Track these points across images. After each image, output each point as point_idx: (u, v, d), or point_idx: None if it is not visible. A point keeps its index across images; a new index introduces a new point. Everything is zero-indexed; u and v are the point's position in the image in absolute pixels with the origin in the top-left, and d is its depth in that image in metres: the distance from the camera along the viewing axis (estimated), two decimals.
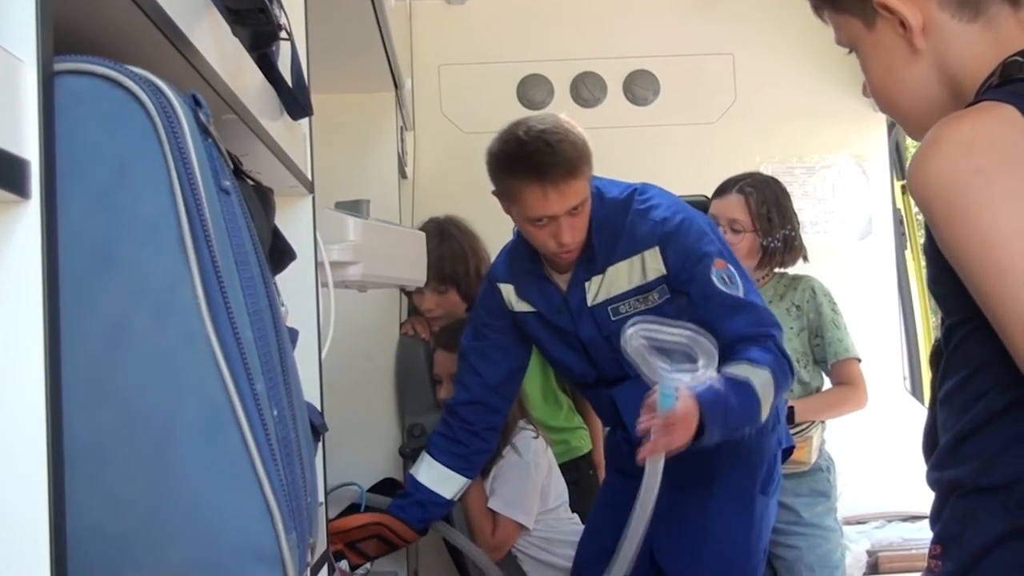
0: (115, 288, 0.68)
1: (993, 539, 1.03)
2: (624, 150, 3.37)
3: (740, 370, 1.94)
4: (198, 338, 0.69)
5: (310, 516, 0.81)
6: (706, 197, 2.93)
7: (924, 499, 1.13)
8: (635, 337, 1.72)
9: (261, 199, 1.06)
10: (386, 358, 2.99)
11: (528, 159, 2.05)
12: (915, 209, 3.56)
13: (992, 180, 0.97)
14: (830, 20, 1.20)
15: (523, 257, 2.28)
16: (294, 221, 1.46)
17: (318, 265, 1.51)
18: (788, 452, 2.35)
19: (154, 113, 0.69)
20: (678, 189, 2.31)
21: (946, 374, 1.10)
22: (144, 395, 0.68)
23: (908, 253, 3.74)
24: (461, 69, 3.67)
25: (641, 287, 2.13)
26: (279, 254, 1.16)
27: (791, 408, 2.51)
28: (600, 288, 2.17)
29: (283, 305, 0.94)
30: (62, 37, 0.64)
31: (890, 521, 3.43)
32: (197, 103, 0.74)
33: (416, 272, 2.43)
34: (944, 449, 1.09)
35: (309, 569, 1.03)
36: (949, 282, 1.02)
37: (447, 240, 2.92)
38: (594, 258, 2.16)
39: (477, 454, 2.38)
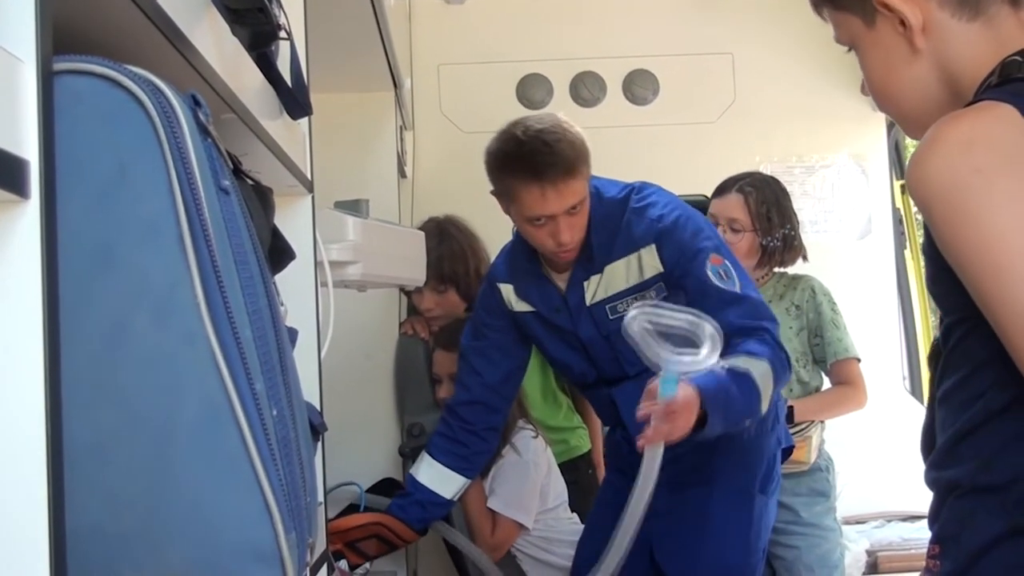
0: (115, 288, 0.68)
1: (991, 539, 1.03)
2: (623, 150, 3.37)
3: (739, 362, 1.93)
4: (197, 338, 0.69)
5: (309, 516, 0.81)
6: (706, 197, 2.93)
7: (923, 499, 1.13)
8: (637, 320, 1.69)
9: (260, 199, 1.06)
10: (385, 358, 2.99)
11: (526, 159, 2.06)
12: (914, 209, 3.56)
13: (991, 179, 0.97)
14: (829, 18, 1.20)
15: (522, 257, 2.28)
16: (293, 221, 1.46)
17: (317, 265, 1.51)
18: (787, 452, 2.35)
19: (153, 113, 0.69)
20: (678, 189, 2.31)
21: (944, 373, 1.10)
22: (144, 395, 0.68)
23: (907, 253, 3.75)
24: (460, 68, 3.67)
25: (639, 285, 2.13)
26: (278, 254, 1.16)
27: (790, 408, 2.51)
28: (598, 287, 2.17)
29: (282, 305, 0.94)
30: (61, 37, 0.64)
31: (889, 521, 3.43)
32: (196, 103, 0.74)
33: (415, 272, 2.43)
34: (942, 449, 1.09)
35: (308, 569, 1.03)
36: (948, 281, 1.02)
37: (446, 240, 2.92)
38: (593, 257, 2.16)
39: (477, 454, 2.38)
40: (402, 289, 3.01)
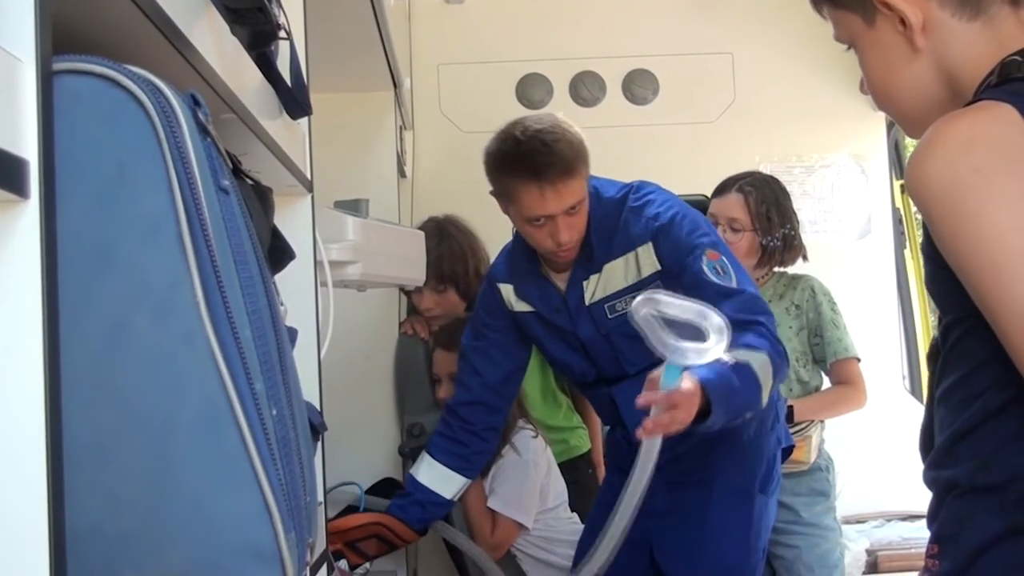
0: (114, 288, 0.68)
1: (990, 538, 1.03)
2: (623, 149, 3.37)
3: (738, 354, 1.92)
4: (197, 338, 0.69)
5: (309, 515, 0.81)
6: (705, 196, 2.93)
7: (923, 498, 1.13)
8: (645, 306, 1.64)
9: (260, 198, 1.06)
10: (385, 357, 2.99)
11: (525, 159, 2.06)
12: (914, 208, 3.56)
13: (990, 179, 0.97)
14: (829, 16, 1.20)
15: (522, 257, 2.28)
16: (293, 220, 1.45)
17: (317, 264, 1.51)
18: (787, 451, 2.34)
19: (153, 113, 0.69)
20: (677, 188, 2.31)
21: (943, 373, 1.10)
22: (143, 395, 0.68)
23: (907, 252, 3.75)
24: (460, 68, 3.67)
25: (637, 284, 2.13)
26: (278, 253, 1.16)
27: (790, 407, 2.51)
28: (597, 286, 2.17)
29: (282, 304, 0.94)
30: (61, 37, 0.64)
31: (889, 520, 3.43)
32: (196, 102, 0.74)
33: (415, 271, 2.44)
34: (941, 448, 1.09)
35: (308, 568, 1.03)
36: (946, 280, 1.02)
37: (446, 239, 2.92)
38: (592, 257, 2.16)
39: (477, 454, 2.38)
40: (402, 289, 3.01)
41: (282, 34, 1.15)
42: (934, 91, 1.12)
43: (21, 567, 0.55)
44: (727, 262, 2.07)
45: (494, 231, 2.79)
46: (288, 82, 1.24)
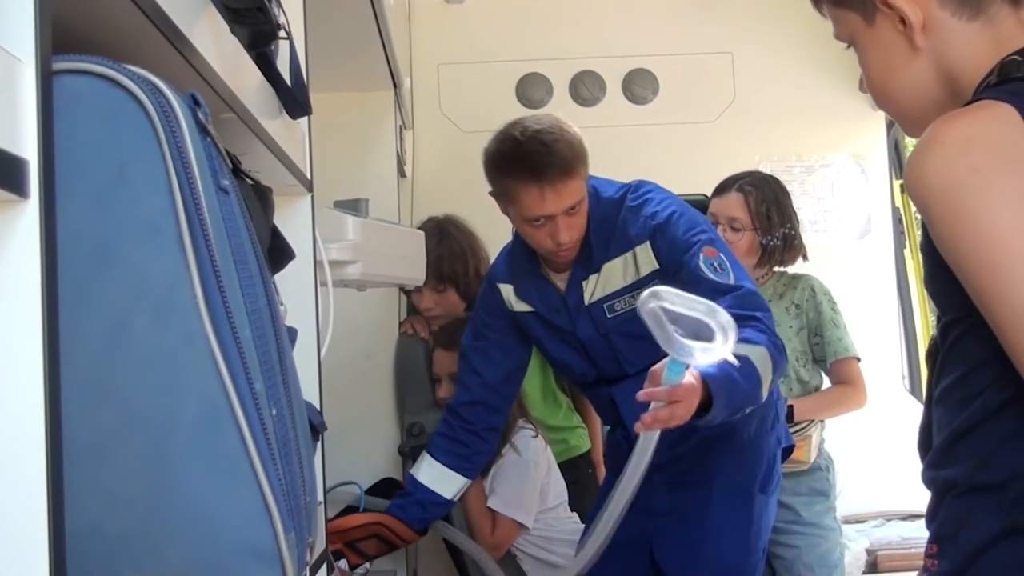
0: (114, 288, 0.68)
1: (989, 538, 1.03)
2: (623, 149, 3.37)
3: (737, 348, 1.90)
4: (197, 338, 0.69)
5: (309, 515, 0.81)
6: (705, 196, 2.93)
7: (923, 498, 1.13)
8: (651, 300, 1.62)
9: (260, 198, 1.06)
10: (385, 357, 2.99)
11: (524, 159, 2.06)
12: (914, 208, 3.56)
13: (989, 179, 0.97)
14: (829, 14, 1.20)
15: (522, 257, 2.28)
16: (293, 220, 1.45)
17: (317, 264, 1.51)
18: (787, 451, 2.34)
19: (153, 112, 0.69)
20: (677, 188, 2.31)
21: (942, 372, 1.10)
22: (143, 395, 0.68)
23: (907, 252, 3.75)
24: (460, 68, 3.67)
25: (636, 283, 2.13)
26: (278, 253, 1.16)
27: (790, 407, 2.51)
28: (596, 286, 2.17)
29: (282, 304, 0.94)
30: (61, 36, 0.64)
31: (889, 520, 3.43)
32: (196, 102, 0.74)
33: (415, 271, 2.43)
34: (940, 448, 1.09)
35: (308, 568, 1.03)
36: (945, 280, 1.02)
37: (446, 239, 2.93)
38: (591, 256, 2.16)
39: (478, 454, 2.38)
40: (402, 288, 3.01)
41: (282, 34, 1.15)
42: (933, 90, 1.12)
43: (21, 567, 0.55)
44: (725, 259, 2.06)
45: (494, 231, 2.79)
46: (288, 82, 1.24)
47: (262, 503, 0.71)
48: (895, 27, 1.12)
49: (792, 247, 2.79)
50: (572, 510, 2.65)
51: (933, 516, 1.10)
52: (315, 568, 1.36)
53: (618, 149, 3.28)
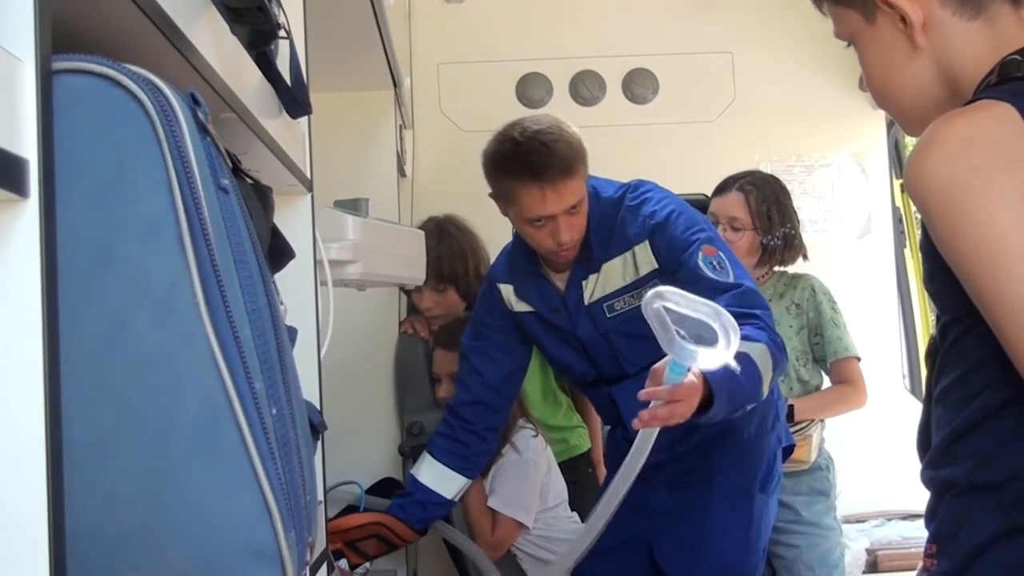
0: (114, 287, 0.68)
1: (988, 538, 1.03)
2: (623, 149, 3.38)
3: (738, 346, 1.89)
4: (197, 337, 0.69)
5: (309, 515, 0.81)
6: (706, 196, 2.93)
7: (923, 497, 1.13)
8: (655, 300, 1.61)
9: (260, 198, 1.06)
10: (385, 357, 2.99)
11: (524, 160, 2.06)
12: (914, 207, 3.55)
13: (989, 178, 0.97)
14: (829, 12, 1.19)
15: (522, 258, 2.28)
16: (293, 220, 1.45)
17: (317, 264, 1.51)
18: (788, 451, 2.34)
19: (152, 112, 0.69)
20: (677, 188, 2.31)
21: (941, 372, 1.10)
22: (143, 395, 0.68)
23: (907, 251, 3.75)
24: (460, 67, 3.67)
25: (635, 282, 2.13)
26: (278, 253, 1.16)
27: (790, 406, 2.51)
28: (596, 286, 2.17)
29: (282, 304, 0.94)
30: (61, 36, 0.64)
31: (889, 519, 3.43)
32: (196, 102, 0.74)
33: (415, 271, 2.43)
34: (939, 447, 1.09)
35: (308, 568, 1.03)
36: (945, 279, 1.02)
37: (446, 239, 2.92)
38: (591, 256, 2.16)
39: (478, 454, 2.38)
40: (402, 288, 3.01)
41: (282, 33, 1.15)
42: (933, 89, 1.12)
43: (21, 567, 0.55)
44: (724, 257, 2.06)
45: (494, 231, 2.79)
46: (288, 81, 1.24)
47: (262, 503, 0.71)
48: (895, 26, 1.12)
49: (792, 247, 2.79)
50: (572, 510, 2.65)
51: (932, 516, 1.10)
52: (315, 568, 1.36)
53: (618, 149, 3.28)
